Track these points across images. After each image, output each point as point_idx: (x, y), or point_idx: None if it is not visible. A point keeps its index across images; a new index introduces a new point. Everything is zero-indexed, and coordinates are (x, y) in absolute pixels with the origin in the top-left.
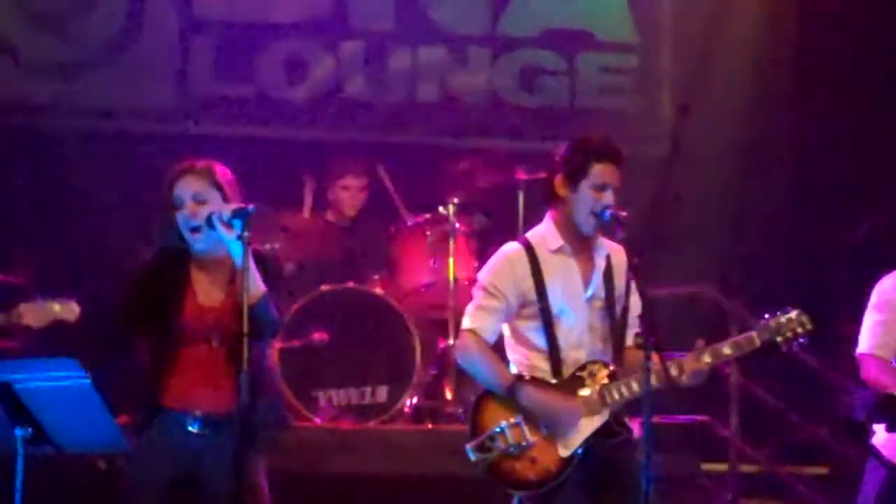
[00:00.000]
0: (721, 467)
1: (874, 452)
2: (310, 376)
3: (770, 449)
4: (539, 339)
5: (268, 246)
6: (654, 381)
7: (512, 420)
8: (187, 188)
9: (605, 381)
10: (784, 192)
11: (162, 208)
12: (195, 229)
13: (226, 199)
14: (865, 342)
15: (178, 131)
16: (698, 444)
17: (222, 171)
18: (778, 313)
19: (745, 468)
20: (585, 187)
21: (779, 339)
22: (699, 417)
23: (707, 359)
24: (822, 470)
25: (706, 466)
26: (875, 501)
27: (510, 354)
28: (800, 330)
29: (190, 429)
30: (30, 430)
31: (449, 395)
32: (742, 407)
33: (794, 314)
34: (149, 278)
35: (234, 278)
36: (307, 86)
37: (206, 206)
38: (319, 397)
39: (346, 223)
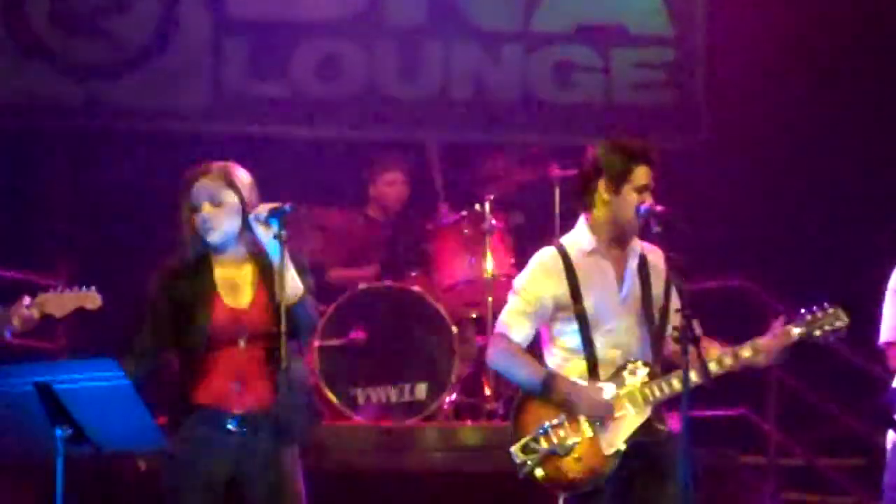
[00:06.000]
0: (760, 460)
1: None
2: (348, 374)
3: (809, 441)
4: (575, 341)
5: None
6: (694, 376)
7: (555, 420)
8: (203, 191)
9: (646, 379)
10: (824, 181)
11: (183, 212)
12: (211, 231)
13: (242, 201)
14: (889, 330)
15: (212, 131)
16: (737, 437)
17: (239, 173)
18: (815, 308)
19: (785, 461)
20: (628, 191)
21: (816, 332)
22: (738, 411)
23: (746, 353)
24: (862, 462)
25: (745, 459)
26: None
27: (547, 358)
28: (838, 324)
29: (229, 427)
30: (69, 430)
31: (487, 392)
32: (781, 400)
33: (830, 309)
34: (173, 286)
35: (265, 278)
36: (341, 84)
37: (223, 207)
38: (358, 395)
39: (384, 220)
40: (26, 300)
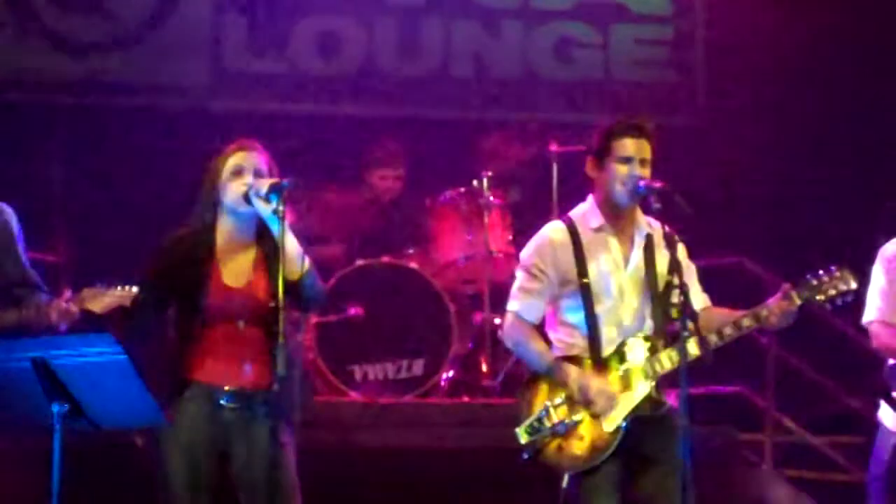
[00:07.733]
0: (758, 437)
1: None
2: (346, 351)
3: (807, 418)
4: (578, 317)
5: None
6: (693, 351)
7: (556, 400)
8: (251, 161)
9: (647, 354)
10: (821, 158)
11: (212, 179)
12: (246, 198)
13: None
14: (872, 310)
15: (211, 107)
16: (735, 414)
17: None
18: (821, 272)
19: (782, 438)
20: (611, 163)
21: (819, 297)
22: (736, 388)
23: (748, 322)
24: (859, 440)
25: (743, 437)
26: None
27: (550, 333)
28: (843, 287)
29: (221, 402)
30: (66, 406)
31: (484, 369)
32: (778, 377)
33: (837, 272)
34: (175, 256)
35: (268, 260)
36: (340, 61)
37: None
38: (355, 372)
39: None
40: (67, 294)
